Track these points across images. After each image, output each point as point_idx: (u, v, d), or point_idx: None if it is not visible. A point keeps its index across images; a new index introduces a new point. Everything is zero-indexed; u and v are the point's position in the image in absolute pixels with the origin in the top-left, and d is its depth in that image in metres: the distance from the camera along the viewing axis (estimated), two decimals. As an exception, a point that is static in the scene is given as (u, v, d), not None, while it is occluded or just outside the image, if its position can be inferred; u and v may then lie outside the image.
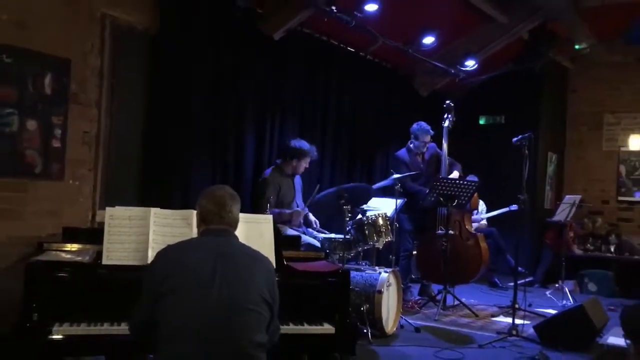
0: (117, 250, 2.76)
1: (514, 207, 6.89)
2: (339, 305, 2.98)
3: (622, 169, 8.73)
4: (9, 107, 3.77)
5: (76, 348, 2.57)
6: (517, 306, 4.91)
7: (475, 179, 5.96)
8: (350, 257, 4.91)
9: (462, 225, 6.10)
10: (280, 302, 2.29)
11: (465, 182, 5.70)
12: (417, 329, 4.86)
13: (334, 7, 5.44)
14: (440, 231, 5.81)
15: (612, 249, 8.16)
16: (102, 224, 2.87)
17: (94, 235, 2.95)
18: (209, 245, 2.24)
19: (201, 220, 2.37)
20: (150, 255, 2.71)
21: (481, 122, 8.73)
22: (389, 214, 5.13)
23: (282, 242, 3.17)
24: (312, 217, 5.37)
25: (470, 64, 7.38)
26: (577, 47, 7.88)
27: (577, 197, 6.62)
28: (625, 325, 2.77)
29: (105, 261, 2.73)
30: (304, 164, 5.31)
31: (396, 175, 5.48)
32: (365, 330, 4.31)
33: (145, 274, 2.22)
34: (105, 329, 2.56)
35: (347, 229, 4.69)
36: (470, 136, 8.03)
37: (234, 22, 5.30)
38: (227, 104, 5.32)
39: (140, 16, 4.63)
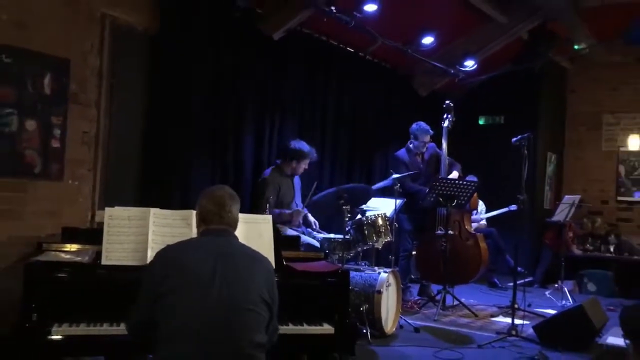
0: (117, 251, 2.76)
1: (514, 207, 6.89)
2: (338, 306, 2.98)
3: (622, 169, 8.74)
4: (8, 107, 3.77)
5: (75, 348, 2.57)
6: (516, 306, 4.90)
7: (475, 179, 5.96)
8: (349, 257, 4.91)
9: (461, 226, 6.10)
10: (279, 302, 2.29)
11: (464, 182, 5.70)
12: (417, 329, 4.86)
13: (333, 7, 5.45)
14: (439, 231, 5.80)
15: (612, 249, 8.16)
16: (101, 224, 2.87)
17: (93, 235, 2.95)
18: (209, 245, 2.24)
19: (201, 221, 2.37)
20: (150, 256, 2.71)
21: (480, 122, 8.74)
22: (388, 214, 5.13)
23: (281, 242, 3.17)
24: (311, 218, 5.36)
25: (470, 64, 7.39)
26: (576, 47, 7.88)
27: (577, 197, 6.62)
28: (624, 325, 2.77)
29: (104, 261, 2.73)
30: (303, 166, 5.32)
31: (395, 175, 5.48)
32: (364, 331, 4.31)
33: (145, 274, 2.22)
34: (105, 329, 2.56)
35: (347, 229, 4.70)
36: (470, 136, 8.03)
37: (234, 22, 5.30)
38: (227, 104, 5.32)
39: (140, 16, 4.63)
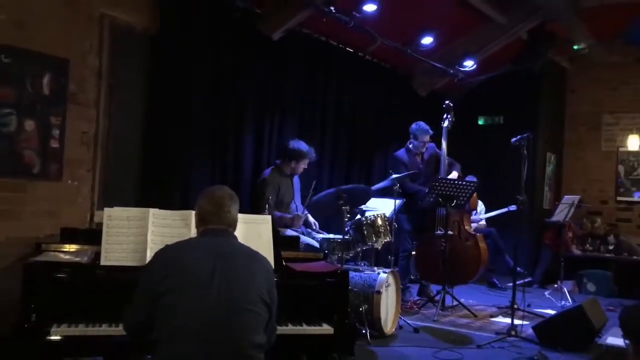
0: (116, 251, 2.75)
1: (513, 207, 6.88)
2: (337, 306, 2.98)
3: (621, 169, 8.74)
4: (7, 107, 3.77)
5: (75, 349, 2.56)
6: (516, 306, 4.90)
7: (474, 179, 5.96)
8: (349, 257, 4.90)
9: (461, 226, 6.10)
10: (279, 303, 2.29)
11: (464, 183, 5.69)
12: (416, 330, 4.86)
13: (332, 8, 5.45)
14: (439, 231, 5.80)
15: (611, 249, 8.16)
16: (100, 224, 2.87)
17: (92, 235, 2.94)
18: (208, 245, 2.24)
19: (200, 221, 2.37)
20: (149, 256, 2.70)
21: (480, 122, 8.74)
22: (387, 215, 5.13)
23: (280, 242, 3.17)
24: (311, 219, 5.37)
25: (469, 64, 7.39)
26: (575, 47, 7.89)
27: (576, 198, 6.62)
28: (624, 325, 2.77)
29: (103, 262, 2.73)
30: (303, 165, 5.32)
31: (395, 176, 5.48)
32: (364, 331, 4.30)
33: (143, 274, 2.21)
34: (104, 329, 2.56)
35: (346, 229, 4.69)
36: (469, 136, 8.02)
37: (234, 22, 5.30)
38: (226, 104, 5.32)
39: (139, 16, 4.63)
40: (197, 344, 2.00)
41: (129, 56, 4.64)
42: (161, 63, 4.75)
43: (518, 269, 5.39)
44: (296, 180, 5.45)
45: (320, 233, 5.27)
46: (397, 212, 5.44)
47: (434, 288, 6.25)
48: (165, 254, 2.22)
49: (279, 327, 2.43)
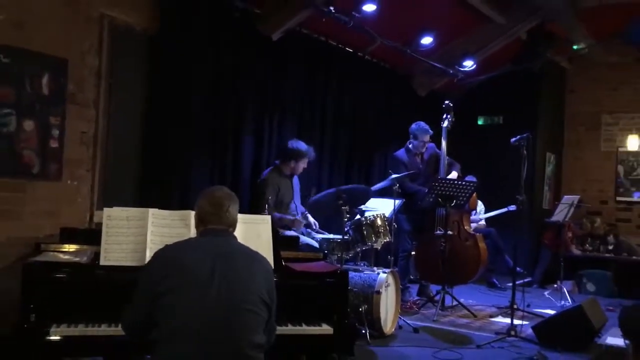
0: (115, 251, 2.75)
1: (513, 207, 6.87)
2: (337, 306, 2.98)
3: (621, 169, 8.74)
4: (6, 107, 3.77)
5: (74, 349, 2.56)
6: (515, 306, 4.90)
7: (474, 179, 5.96)
8: (348, 257, 4.90)
9: (460, 226, 6.10)
10: (278, 303, 2.29)
11: (463, 183, 5.69)
12: (416, 330, 4.86)
13: (332, 8, 5.45)
14: (438, 231, 5.80)
15: (611, 249, 8.16)
16: (99, 224, 2.87)
17: (91, 235, 2.94)
18: (208, 245, 2.24)
19: (199, 221, 2.36)
20: (148, 256, 2.70)
21: (479, 122, 8.74)
22: (387, 215, 5.13)
23: (280, 242, 3.17)
24: (311, 219, 5.36)
25: (469, 64, 7.39)
26: (575, 47, 7.89)
27: (576, 198, 6.63)
28: (623, 325, 2.77)
29: (103, 262, 2.73)
30: (302, 165, 5.31)
31: (395, 176, 5.48)
32: (363, 331, 4.31)
33: (142, 274, 2.21)
34: (103, 330, 2.56)
35: (346, 229, 4.69)
36: (469, 136, 8.02)
37: (233, 22, 5.30)
38: (226, 104, 5.32)
39: (138, 16, 4.63)
40: (196, 344, 2.00)
41: (128, 56, 4.63)
42: (161, 63, 4.75)
43: (518, 269, 5.39)
44: (296, 180, 5.45)
45: (320, 233, 5.26)
46: (397, 212, 5.44)
47: (433, 288, 6.25)
48: (165, 254, 2.22)
49: (278, 327, 2.43)
